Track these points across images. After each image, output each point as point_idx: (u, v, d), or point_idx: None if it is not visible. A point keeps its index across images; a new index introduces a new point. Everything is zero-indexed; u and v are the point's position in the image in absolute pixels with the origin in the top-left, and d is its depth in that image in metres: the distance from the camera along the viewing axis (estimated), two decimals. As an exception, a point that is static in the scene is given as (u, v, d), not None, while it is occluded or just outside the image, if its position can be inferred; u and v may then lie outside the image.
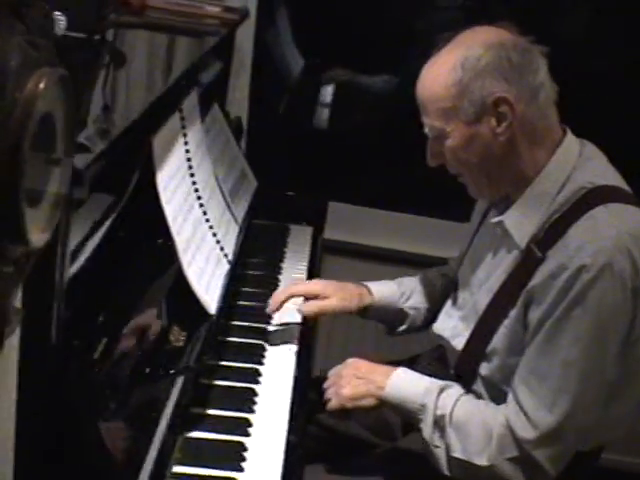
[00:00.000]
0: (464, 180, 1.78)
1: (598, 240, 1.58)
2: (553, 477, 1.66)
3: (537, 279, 1.64)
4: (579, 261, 1.57)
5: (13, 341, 1.02)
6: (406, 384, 1.76)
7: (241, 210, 2.24)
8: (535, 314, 1.64)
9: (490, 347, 1.74)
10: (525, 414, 1.63)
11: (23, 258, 0.82)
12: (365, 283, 2.06)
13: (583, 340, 1.59)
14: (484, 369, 1.76)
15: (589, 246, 1.57)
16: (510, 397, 1.68)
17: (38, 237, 0.82)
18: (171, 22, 2.11)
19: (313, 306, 1.95)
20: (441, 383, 1.75)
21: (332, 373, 1.83)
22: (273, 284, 2.22)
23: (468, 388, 1.80)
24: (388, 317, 2.10)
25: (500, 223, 1.75)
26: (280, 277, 2.27)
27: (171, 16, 2.13)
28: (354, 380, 1.77)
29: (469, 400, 1.74)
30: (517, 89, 1.64)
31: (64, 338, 1.22)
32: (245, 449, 1.58)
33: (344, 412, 1.81)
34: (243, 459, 1.55)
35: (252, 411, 1.68)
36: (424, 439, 1.72)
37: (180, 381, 1.57)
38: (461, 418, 1.69)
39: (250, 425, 1.64)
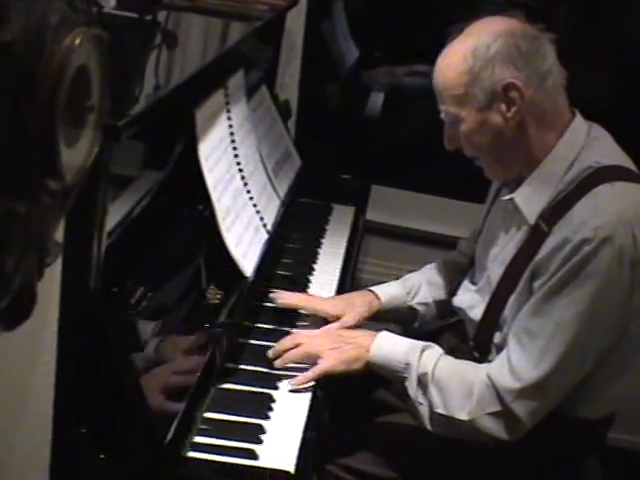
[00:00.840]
0: (479, 162, 1.88)
1: (601, 215, 1.66)
2: (527, 429, 1.74)
3: (543, 252, 1.72)
4: (581, 235, 1.65)
5: (54, 273, 1.16)
6: (390, 345, 1.83)
7: (284, 186, 2.36)
8: (538, 282, 1.73)
9: (502, 317, 1.83)
10: (511, 366, 1.72)
11: (61, 192, 0.95)
12: (371, 288, 2.14)
13: (577, 305, 1.67)
14: (497, 338, 1.85)
15: (592, 220, 1.65)
16: (501, 354, 1.77)
17: (73, 174, 0.95)
18: (221, 6, 2.23)
19: None
20: (423, 343, 1.83)
21: (304, 335, 1.88)
22: (312, 257, 2.33)
23: (484, 357, 1.88)
24: (399, 317, 2.17)
25: (511, 200, 1.84)
26: (319, 250, 2.38)
27: (222, 0, 2.25)
28: (343, 345, 1.83)
29: (450, 359, 1.82)
30: (526, 75, 1.73)
31: (103, 282, 1.35)
32: (273, 400, 1.70)
33: (329, 377, 1.81)
34: (270, 409, 1.67)
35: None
36: (409, 397, 1.80)
37: (216, 335, 1.70)
38: (443, 375, 1.77)
39: (279, 379, 1.76)
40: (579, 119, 1.83)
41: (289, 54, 2.86)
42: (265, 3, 2.45)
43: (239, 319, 1.80)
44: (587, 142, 1.79)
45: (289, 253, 2.30)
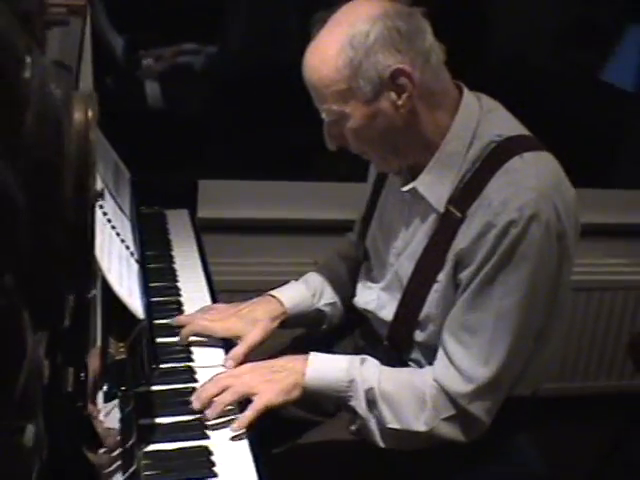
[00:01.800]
0: (368, 157, 1.76)
1: (521, 193, 1.58)
2: (487, 425, 1.69)
3: (464, 241, 1.63)
4: (506, 217, 1.57)
5: None
6: (326, 365, 1.68)
7: (126, 204, 2.13)
8: (465, 273, 1.64)
9: (423, 314, 1.73)
10: (457, 369, 1.64)
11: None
12: (271, 293, 1.96)
13: (515, 292, 1.60)
14: (419, 336, 1.75)
15: (513, 200, 1.57)
16: (439, 355, 1.68)
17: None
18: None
19: (235, 359, 1.76)
20: (358, 357, 1.71)
21: (228, 375, 1.67)
22: (171, 275, 2.15)
23: (404, 356, 1.79)
24: (306, 321, 2.03)
25: (413, 190, 1.73)
26: (175, 266, 2.20)
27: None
28: (275, 375, 1.64)
29: (390, 369, 1.71)
30: (410, 57, 1.60)
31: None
32: (210, 453, 1.51)
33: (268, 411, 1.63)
34: (212, 464, 1.49)
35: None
36: (359, 415, 1.68)
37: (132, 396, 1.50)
38: (390, 388, 1.66)
39: (206, 427, 1.57)
40: (467, 93, 1.73)
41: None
42: (59, 5, 2.18)
43: (154, 371, 1.60)
44: (482, 115, 1.70)
45: (152, 276, 2.09)
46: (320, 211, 2.95)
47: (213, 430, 1.56)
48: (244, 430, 1.56)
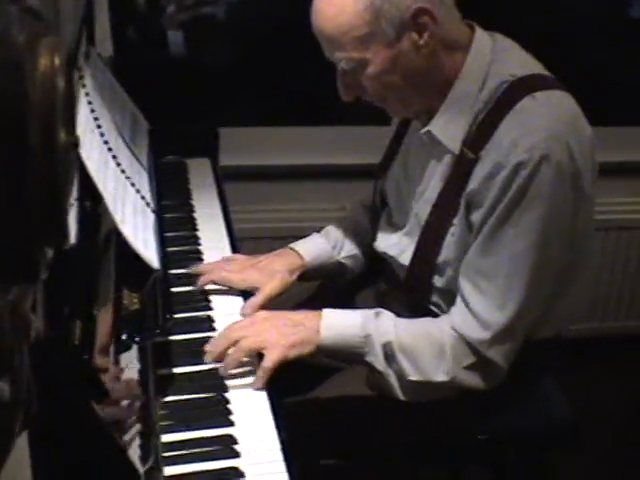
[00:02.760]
0: (384, 104, 1.72)
1: (531, 133, 1.54)
2: (505, 372, 1.66)
3: (475, 182, 1.60)
4: (515, 158, 1.53)
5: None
6: (341, 321, 1.65)
7: (144, 155, 2.11)
8: (477, 215, 1.61)
9: (441, 258, 1.70)
10: (475, 316, 1.62)
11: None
12: (291, 246, 1.95)
13: (528, 233, 1.57)
14: (438, 281, 1.73)
15: (523, 141, 1.54)
16: (457, 302, 1.66)
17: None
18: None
19: (252, 308, 1.75)
20: (372, 310, 1.68)
21: (239, 327, 1.63)
22: (191, 224, 2.13)
23: (424, 300, 1.77)
24: (326, 273, 2.01)
25: (428, 132, 1.70)
26: (195, 215, 2.18)
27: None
28: (288, 329, 1.61)
29: (406, 321, 1.69)
30: None
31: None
32: (228, 402, 1.51)
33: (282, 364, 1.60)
34: (229, 412, 1.48)
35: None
36: (376, 370, 1.66)
37: (149, 345, 1.49)
38: (408, 340, 1.64)
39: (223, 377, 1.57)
40: (480, 32, 1.69)
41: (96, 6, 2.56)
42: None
43: (169, 321, 1.59)
44: (495, 55, 1.66)
45: (170, 226, 2.08)
46: (344, 155, 2.92)
47: (230, 379, 1.55)
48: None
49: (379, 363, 1.64)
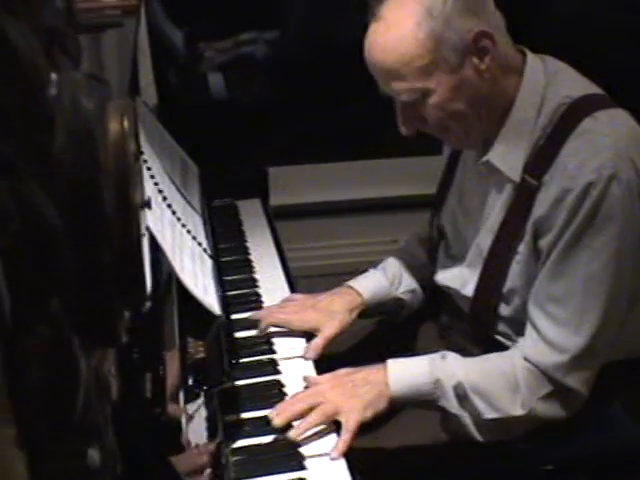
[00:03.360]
0: (447, 135, 1.70)
1: (597, 154, 1.53)
2: (586, 398, 1.63)
3: (541, 208, 1.59)
4: (584, 179, 1.52)
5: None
6: (407, 370, 1.61)
7: (196, 200, 2.12)
8: (545, 241, 1.59)
9: (507, 287, 1.68)
10: (548, 343, 1.59)
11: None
12: (349, 284, 1.92)
13: (601, 255, 1.54)
14: (505, 310, 1.71)
15: (590, 162, 1.52)
16: (528, 331, 1.63)
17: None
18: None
19: (314, 350, 1.74)
20: (438, 354, 1.65)
21: (309, 394, 1.57)
22: (248, 266, 2.13)
23: (490, 331, 1.75)
24: (385, 309, 1.99)
25: (487, 162, 1.68)
26: (251, 257, 2.18)
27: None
28: (358, 389, 1.57)
29: (475, 359, 1.67)
30: (486, 19, 1.57)
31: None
32: (299, 445, 1.49)
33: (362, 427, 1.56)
34: (303, 459, 1.46)
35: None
36: (451, 414, 1.63)
37: (216, 392, 1.49)
38: (478, 378, 1.61)
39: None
40: (531, 56, 1.68)
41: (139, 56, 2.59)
42: (114, 7, 2.18)
43: (234, 367, 1.58)
44: (549, 78, 1.65)
45: (227, 270, 2.08)
46: (395, 188, 2.92)
47: (306, 446, 1.49)
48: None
49: (452, 406, 1.61)
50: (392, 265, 2.01)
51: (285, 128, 3.08)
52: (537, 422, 1.63)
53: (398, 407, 1.67)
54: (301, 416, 1.51)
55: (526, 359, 1.61)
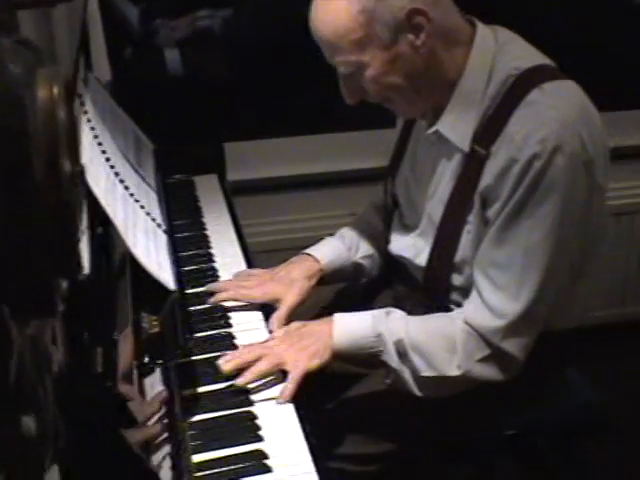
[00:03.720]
0: (390, 104, 1.72)
1: (543, 125, 1.54)
2: (522, 362, 1.65)
3: (488, 177, 1.60)
4: (529, 150, 1.53)
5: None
6: (352, 323, 1.66)
7: (151, 176, 2.11)
8: (492, 210, 1.61)
9: (458, 257, 1.70)
10: (488, 307, 1.61)
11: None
12: (307, 251, 1.95)
13: (543, 224, 1.56)
14: (457, 280, 1.72)
15: (535, 133, 1.53)
16: (472, 295, 1.65)
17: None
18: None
19: (278, 321, 1.76)
20: (383, 310, 1.69)
21: (261, 345, 1.64)
22: (204, 242, 2.12)
23: (443, 300, 1.76)
24: (345, 276, 2.01)
25: (436, 132, 1.69)
26: (208, 233, 2.17)
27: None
28: (305, 341, 1.63)
29: (417, 318, 1.69)
30: None
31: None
32: (255, 417, 1.50)
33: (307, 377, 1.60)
34: (258, 427, 1.48)
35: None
36: (392, 368, 1.66)
37: (172, 367, 1.48)
38: (419, 337, 1.64)
39: (248, 392, 1.56)
40: (481, 27, 1.68)
41: (91, 29, 2.56)
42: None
43: (189, 341, 1.58)
44: (498, 48, 1.65)
45: (183, 246, 2.07)
46: (351, 161, 2.92)
47: (256, 395, 1.54)
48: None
49: (393, 361, 1.65)
50: (349, 232, 2.02)
51: (240, 104, 3.07)
52: (473, 383, 1.65)
53: (344, 360, 1.70)
54: (249, 365, 1.56)
55: (466, 322, 1.63)
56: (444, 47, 1.62)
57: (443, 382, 1.64)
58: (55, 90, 0.64)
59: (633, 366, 3.19)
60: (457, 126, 1.66)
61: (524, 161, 1.53)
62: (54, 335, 0.88)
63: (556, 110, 1.55)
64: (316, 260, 1.91)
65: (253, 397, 1.54)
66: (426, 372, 1.64)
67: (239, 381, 1.55)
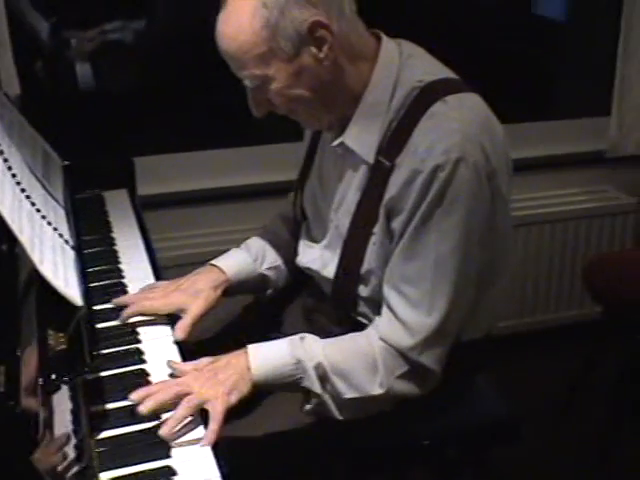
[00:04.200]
0: (296, 117, 1.74)
1: (446, 137, 1.56)
2: (439, 376, 1.68)
3: (393, 189, 1.62)
4: (432, 162, 1.55)
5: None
6: (267, 353, 1.63)
7: (58, 191, 2.09)
8: (397, 222, 1.63)
9: (364, 268, 1.72)
10: (403, 323, 1.63)
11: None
12: (212, 262, 1.95)
13: (450, 236, 1.59)
14: (364, 291, 1.74)
15: (439, 145, 1.56)
16: (383, 311, 1.67)
17: None
18: None
19: (182, 330, 1.75)
20: (297, 336, 1.67)
21: (171, 383, 1.57)
22: (113, 257, 2.12)
23: (351, 312, 1.78)
24: (250, 286, 2.01)
25: (341, 144, 1.72)
26: (116, 248, 2.16)
27: None
28: (221, 375, 1.58)
29: (334, 340, 1.69)
30: (325, 9, 1.59)
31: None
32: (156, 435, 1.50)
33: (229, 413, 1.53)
34: (168, 447, 1.47)
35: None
36: (313, 393, 1.65)
37: (79, 384, 1.47)
38: (338, 359, 1.64)
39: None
40: (386, 41, 1.72)
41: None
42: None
43: (96, 357, 1.57)
44: (403, 62, 1.69)
45: (92, 261, 2.06)
46: (260, 175, 2.95)
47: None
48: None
49: (315, 386, 1.63)
50: (255, 243, 2.04)
51: (150, 118, 3.06)
52: (394, 400, 1.67)
53: (264, 390, 1.68)
54: (165, 405, 1.51)
55: (382, 339, 1.64)
56: (349, 60, 1.65)
57: (365, 402, 1.65)
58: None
59: (541, 374, 3.26)
60: (362, 138, 1.68)
61: (427, 172, 1.56)
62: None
63: (459, 122, 1.58)
64: (222, 271, 1.91)
65: (162, 415, 1.52)
66: (349, 394, 1.63)
67: (163, 432, 1.46)
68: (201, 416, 1.54)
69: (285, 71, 1.61)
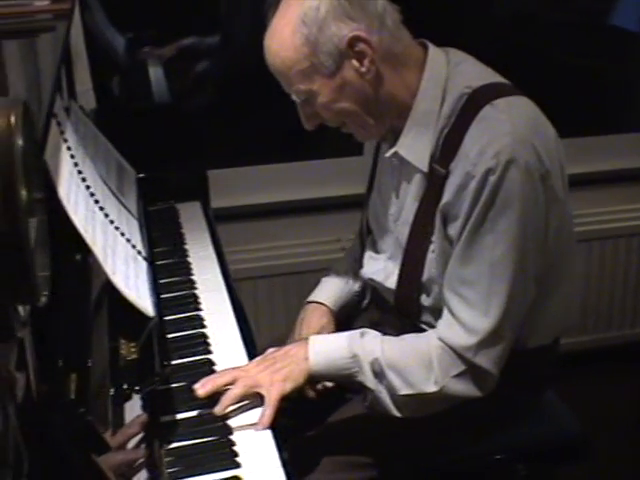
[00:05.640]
0: (347, 129, 1.75)
1: (496, 140, 1.56)
2: (497, 377, 1.66)
3: (447, 195, 1.63)
4: (483, 166, 1.55)
5: None
6: (327, 344, 1.68)
7: (132, 203, 2.12)
8: (453, 228, 1.63)
9: (425, 277, 1.72)
10: (461, 324, 1.63)
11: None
12: (314, 300, 2.01)
13: (504, 238, 1.58)
14: (426, 300, 1.74)
15: (489, 148, 1.56)
16: (444, 314, 1.67)
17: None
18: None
19: None
20: (358, 331, 1.70)
21: (236, 369, 1.64)
22: (186, 269, 2.13)
23: (415, 321, 1.78)
24: (353, 303, 2.06)
25: (395, 154, 1.72)
26: (190, 260, 2.18)
27: None
28: (280, 364, 1.63)
29: (392, 338, 1.70)
30: (365, 23, 1.60)
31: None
32: (233, 444, 1.50)
33: (283, 401, 1.60)
34: (235, 454, 1.48)
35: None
36: (368, 389, 1.67)
37: (150, 394, 1.49)
38: (395, 355, 1.65)
39: (227, 417, 1.57)
40: (433, 49, 1.72)
41: (75, 61, 2.58)
42: (45, 11, 2.17)
43: (167, 368, 1.59)
44: (451, 69, 1.69)
45: (164, 272, 2.08)
46: (333, 188, 2.93)
47: (233, 421, 1.55)
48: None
49: (369, 381, 1.66)
50: (340, 267, 2.08)
51: (224, 132, 3.08)
52: (450, 400, 1.66)
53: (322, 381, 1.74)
54: (224, 388, 1.58)
55: (440, 338, 1.64)
56: (393, 71, 1.66)
57: (421, 400, 1.65)
58: (12, 119, 0.65)
59: (612, 394, 3.20)
60: (415, 147, 1.69)
61: (479, 176, 1.55)
62: (22, 361, 0.88)
63: (508, 124, 1.58)
64: (326, 307, 1.98)
65: (231, 423, 1.55)
66: (403, 390, 1.64)
67: (217, 409, 1.55)
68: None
69: (328, 86, 1.63)
